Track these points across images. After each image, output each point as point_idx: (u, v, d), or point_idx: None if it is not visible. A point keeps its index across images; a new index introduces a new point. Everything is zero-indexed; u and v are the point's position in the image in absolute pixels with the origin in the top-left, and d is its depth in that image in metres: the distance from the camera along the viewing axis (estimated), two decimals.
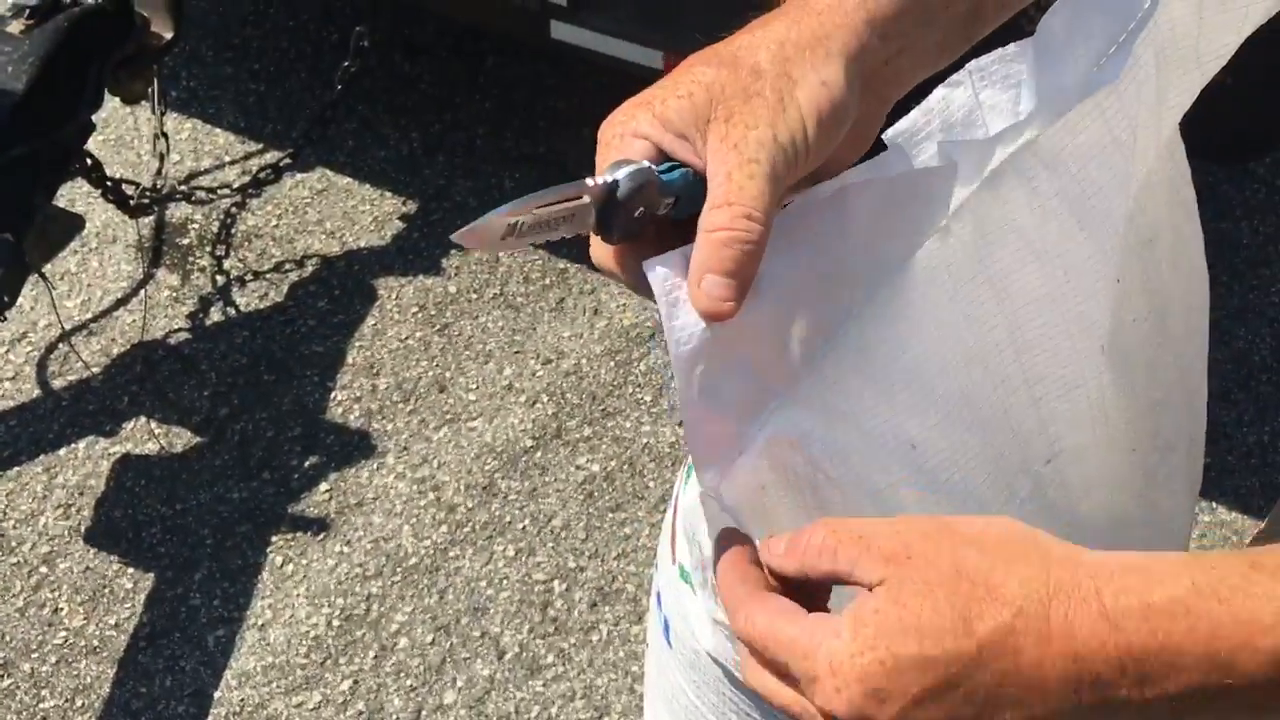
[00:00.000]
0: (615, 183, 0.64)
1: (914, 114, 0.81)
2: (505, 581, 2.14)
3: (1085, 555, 0.59)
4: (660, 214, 0.66)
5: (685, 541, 1.04)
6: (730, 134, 0.64)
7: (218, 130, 2.76)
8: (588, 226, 0.68)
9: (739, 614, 0.63)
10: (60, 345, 2.38)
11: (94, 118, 2.08)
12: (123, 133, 2.74)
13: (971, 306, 0.75)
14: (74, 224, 2.14)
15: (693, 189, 0.67)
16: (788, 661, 0.59)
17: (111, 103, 2.76)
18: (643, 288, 0.68)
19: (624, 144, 0.66)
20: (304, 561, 2.15)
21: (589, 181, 0.65)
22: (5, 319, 1.85)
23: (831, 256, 0.71)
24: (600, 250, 0.70)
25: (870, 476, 0.76)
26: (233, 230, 2.59)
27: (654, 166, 0.65)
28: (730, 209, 0.63)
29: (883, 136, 0.77)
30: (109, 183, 2.25)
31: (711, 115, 0.64)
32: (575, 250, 2.57)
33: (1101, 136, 0.73)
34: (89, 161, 2.16)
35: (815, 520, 0.65)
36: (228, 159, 2.71)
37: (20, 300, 2.42)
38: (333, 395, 2.35)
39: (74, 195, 2.59)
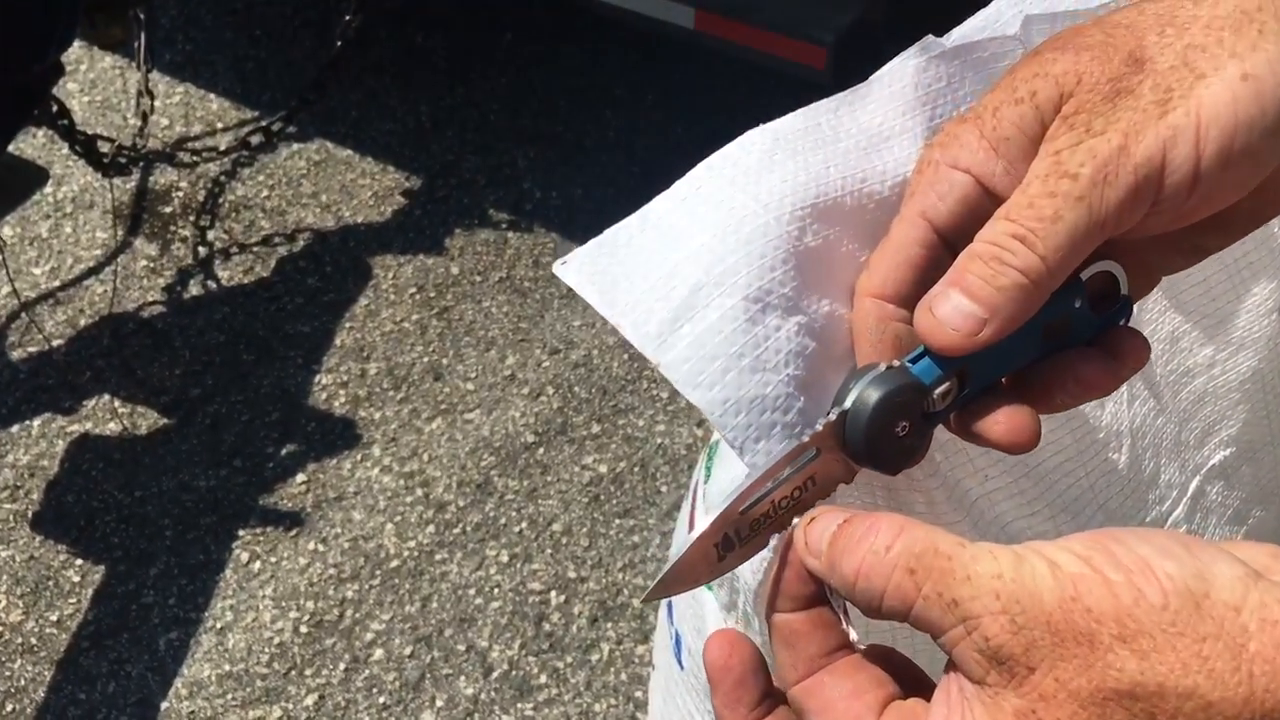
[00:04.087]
0: (844, 414, 0.46)
1: None
2: (497, 590, 1.91)
3: None
4: (944, 406, 0.47)
5: None
6: (1061, 136, 0.43)
7: (212, 96, 2.56)
8: (841, 478, 0.47)
9: (791, 707, 0.44)
10: (22, 314, 2.17)
11: (89, 83, 1.89)
12: (109, 95, 2.55)
13: None
14: (36, 177, 1.93)
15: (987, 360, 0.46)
16: None
17: (100, 63, 2.58)
18: None
19: (937, 178, 0.46)
20: (273, 559, 1.92)
21: (805, 432, 0.46)
22: None
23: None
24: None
25: (961, 481, 0.54)
26: (220, 200, 2.38)
27: (899, 363, 0.46)
28: (1005, 224, 0.44)
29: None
30: (80, 136, 2.04)
31: (1056, 118, 0.44)
32: (589, 234, 2.35)
33: None
34: (55, 109, 1.95)
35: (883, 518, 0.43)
36: (220, 126, 2.51)
37: None
38: (317, 379, 2.13)
39: (52, 157, 2.40)
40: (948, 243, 0.46)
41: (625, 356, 2.17)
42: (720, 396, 0.45)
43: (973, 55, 0.49)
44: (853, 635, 0.44)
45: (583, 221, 2.37)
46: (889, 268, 0.46)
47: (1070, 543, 0.39)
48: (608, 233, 0.49)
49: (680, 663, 0.92)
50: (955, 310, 0.44)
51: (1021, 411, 0.46)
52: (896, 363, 0.46)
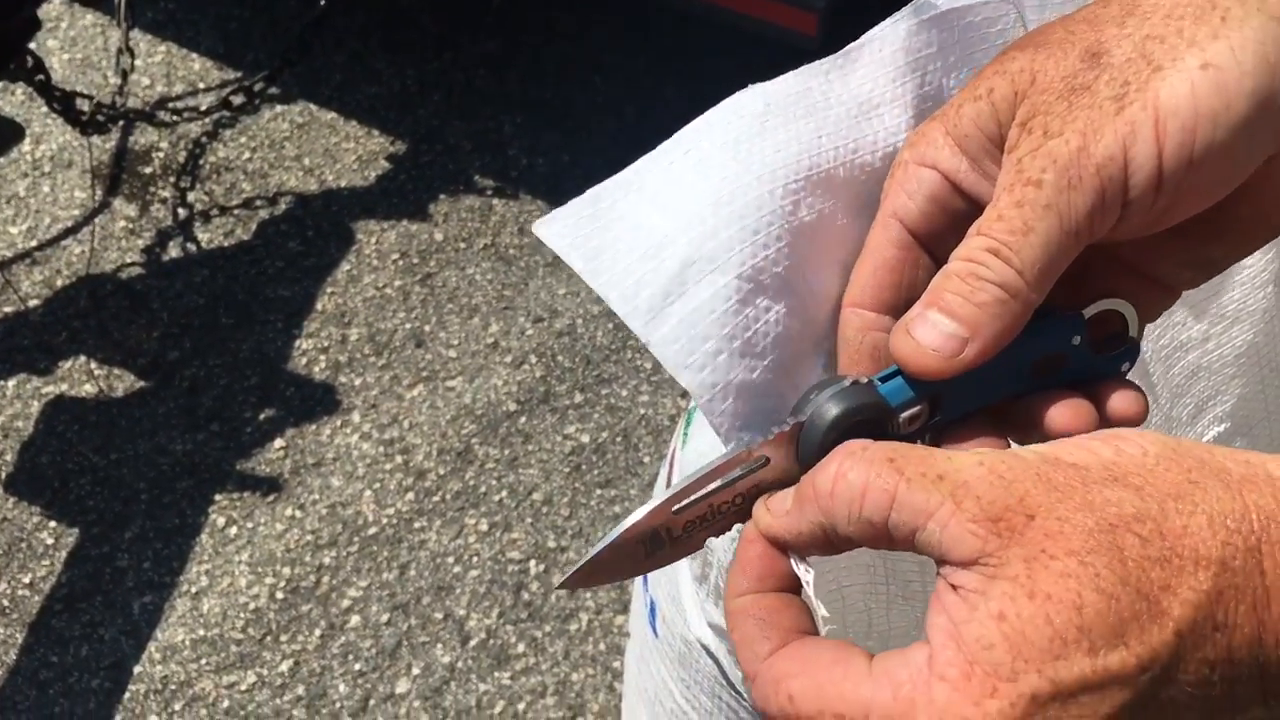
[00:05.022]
0: (799, 425, 0.44)
1: None
2: (476, 559, 1.89)
3: (1275, 467, 0.39)
4: (911, 430, 0.45)
5: None
6: (1021, 143, 0.42)
7: (194, 56, 2.52)
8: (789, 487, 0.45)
9: (759, 683, 0.41)
10: None
11: (69, 40, 1.85)
12: (90, 53, 2.51)
13: None
14: (12, 133, 1.90)
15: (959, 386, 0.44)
16: None
17: (81, 20, 2.54)
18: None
19: (906, 177, 0.45)
20: (249, 525, 1.90)
21: (753, 443, 0.44)
22: None
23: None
24: None
25: None
26: (201, 161, 2.35)
27: (867, 380, 0.44)
28: (978, 239, 0.42)
29: None
30: (56, 92, 2.01)
31: (1013, 119, 0.43)
32: None
33: None
34: (32, 63, 1.92)
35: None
36: (202, 86, 2.47)
37: None
38: (297, 344, 2.11)
39: (30, 114, 2.36)
40: (923, 244, 0.45)
41: (609, 326, 2.16)
42: (710, 380, 0.44)
43: (964, 20, 0.48)
44: (821, 610, 0.42)
45: (569, 188, 2.33)
46: (866, 274, 0.45)
47: None
48: (590, 192, 0.46)
49: (655, 630, 0.91)
50: (934, 330, 0.42)
51: (989, 446, 0.44)
52: (864, 378, 0.44)
